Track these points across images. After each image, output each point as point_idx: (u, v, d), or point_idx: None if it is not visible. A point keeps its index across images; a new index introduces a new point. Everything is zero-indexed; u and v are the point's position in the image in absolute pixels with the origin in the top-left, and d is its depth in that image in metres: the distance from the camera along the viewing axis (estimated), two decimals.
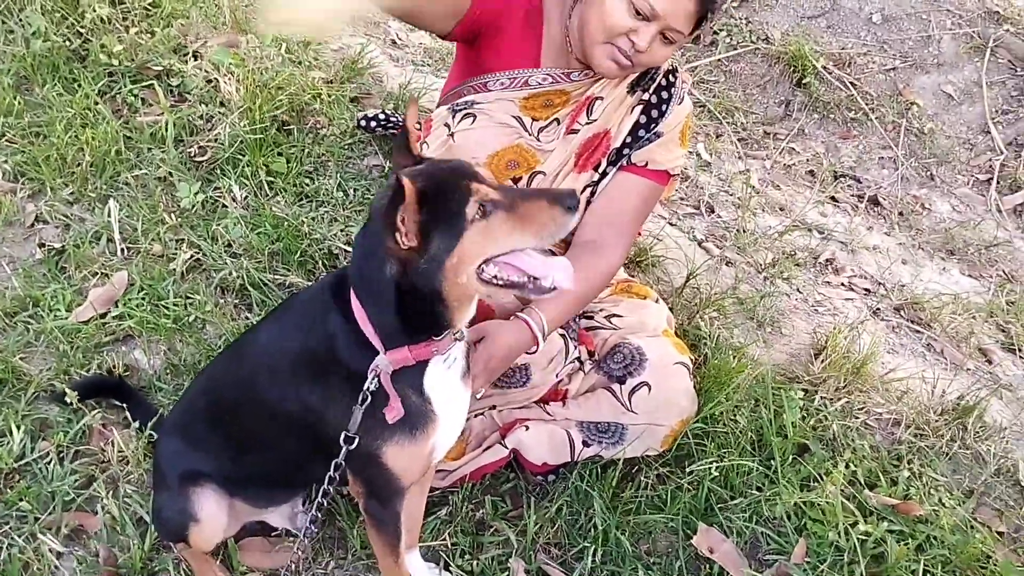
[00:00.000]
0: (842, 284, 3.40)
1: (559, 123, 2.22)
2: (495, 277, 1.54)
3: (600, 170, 2.25)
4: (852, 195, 4.02)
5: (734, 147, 4.11)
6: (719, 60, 4.55)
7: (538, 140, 2.21)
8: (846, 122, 4.36)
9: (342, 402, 1.65)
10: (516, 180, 2.21)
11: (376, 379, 1.59)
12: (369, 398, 1.59)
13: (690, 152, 2.67)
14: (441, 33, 2.16)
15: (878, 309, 3.28)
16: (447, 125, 2.28)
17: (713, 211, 3.59)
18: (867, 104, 4.35)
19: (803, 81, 4.39)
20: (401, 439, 1.66)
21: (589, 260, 2.14)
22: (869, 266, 3.57)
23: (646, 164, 2.24)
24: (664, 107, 2.22)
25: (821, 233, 3.65)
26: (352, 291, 1.60)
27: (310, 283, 2.72)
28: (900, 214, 3.96)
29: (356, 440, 1.63)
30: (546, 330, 2.07)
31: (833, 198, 3.96)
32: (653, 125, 2.22)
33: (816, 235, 3.63)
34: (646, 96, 2.24)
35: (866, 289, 3.41)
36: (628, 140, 2.23)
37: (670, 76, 2.24)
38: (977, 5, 4.61)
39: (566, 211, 1.49)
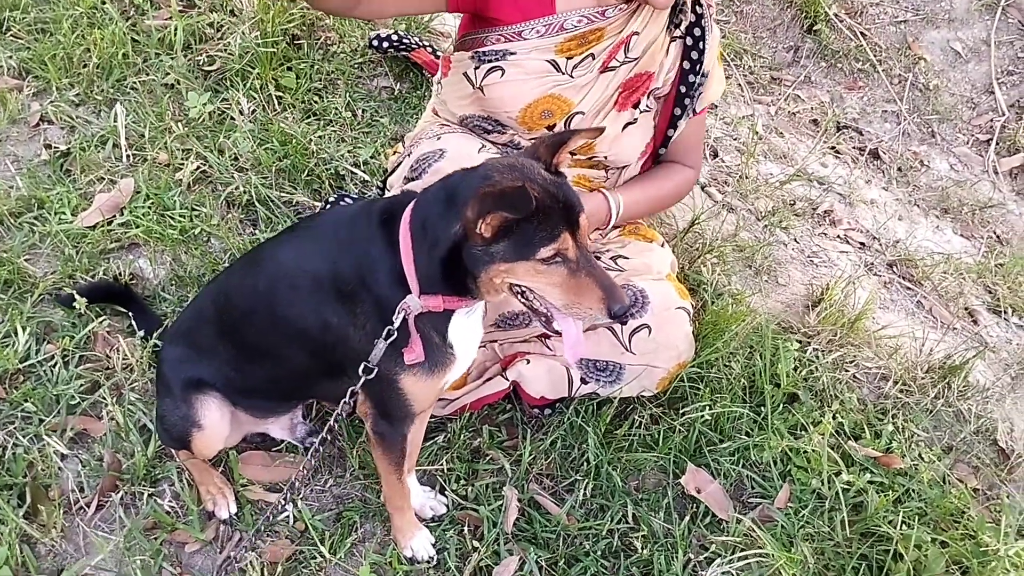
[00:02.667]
0: (838, 236, 3.44)
1: (594, 58, 2.19)
2: (523, 294, 1.64)
3: (640, 108, 2.27)
4: (853, 147, 4.03)
5: (740, 90, 4.09)
6: (731, 0, 4.50)
7: (571, 77, 2.19)
8: (853, 72, 4.34)
9: (364, 328, 1.68)
10: (551, 127, 2.21)
11: (403, 317, 1.61)
12: (395, 335, 1.61)
13: None
14: (443, 11, 2.18)
15: (872, 264, 3.33)
16: (467, 76, 2.22)
17: (717, 155, 3.60)
18: (875, 56, 4.32)
19: (813, 28, 4.35)
20: (419, 371, 1.69)
21: (673, 169, 2.42)
22: (866, 220, 3.60)
23: (701, 105, 2.33)
24: (701, 44, 2.24)
25: (821, 184, 3.67)
26: (406, 227, 1.61)
27: (316, 203, 2.73)
28: (899, 169, 3.98)
29: (375, 371, 1.66)
30: (621, 212, 2.27)
31: (835, 149, 3.96)
32: (699, 66, 2.26)
33: (816, 186, 3.65)
34: (678, 33, 2.24)
35: (861, 243, 3.45)
36: (683, 89, 2.28)
37: (696, 7, 2.23)
38: None
39: (608, 312, 1.56)
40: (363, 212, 1.72)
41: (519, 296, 1.64)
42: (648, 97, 2.29)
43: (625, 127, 2.27)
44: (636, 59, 2.21)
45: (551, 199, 1.53)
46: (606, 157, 2.31)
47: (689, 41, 2.25)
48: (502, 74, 2.17)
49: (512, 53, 2.16)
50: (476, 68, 2.19)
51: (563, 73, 2.17)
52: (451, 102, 2.34)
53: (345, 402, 1.71)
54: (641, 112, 2.28)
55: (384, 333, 1.62)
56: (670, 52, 2.25)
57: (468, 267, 1.56)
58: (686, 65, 2.28)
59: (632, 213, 2.32)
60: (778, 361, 2.50)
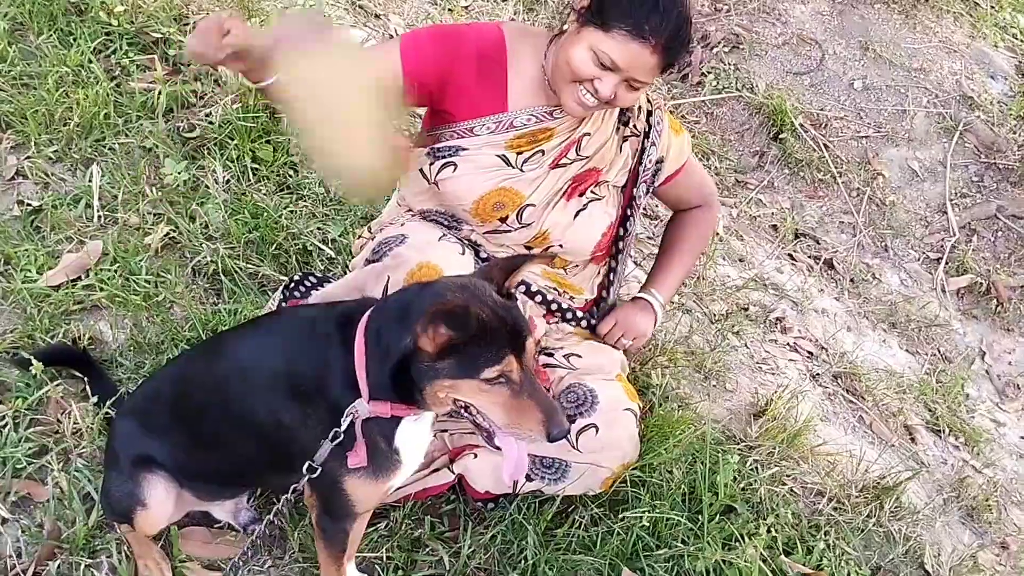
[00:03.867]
0: (787, 344, 3.55)
1: (544, 154, 2.29)
2: (467, 409, 1.69)
3: (586, 196, 2.37)
4: (809, 255, 4.17)
5: None
6: (703, 102, 4.67)
7: (521, 171, 2.28)
8: (814, 182, 4.51)
9: (315, 428, 1.72)
10: (504, 219, 2.29)
11: (350, 420, 1.66)
12: (341, 436, 1.66)
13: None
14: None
15: (818, 374, 3.43)
16: (422, 172, 2.30)
17: None
18: (836, 168, 4.50)
19: (780, 136, 4.53)
20: (363, 474, 1.74)
21: (702, 215, 2.63)
22: (815, 328, 3.72)
23: (670, 171, 2.48)
24: (652, 150, 2.39)
25: (775, 290, 3.80)
26: (361, 334, 1.67)
27: (282, 276, 2.77)
28: (851, 280, 4.13)
29: (320, 470, 1.70)
30: (664, 304, 2.60)
31: (791, 256, 4.10)
32: (650, 157, 2.40)
33: (770, 292, 3.77)
34: (627, 132, 2.37)
35: (809, 352, 3.57)
36: (641, 186, 2.43)
37: (650, 118, 2.38)
38: (954, 87, 4.80)
39: (547, 435, 1.63)
40: (323, 315, 1.79)
41: (463, 411, 1.70)
42: (598, 186, 2.38)
43: (577, 214, 2.36)
44: (588, 157, 2.32)
45: (498, 321, 1.60)
46: (561, 246, 2.38)
47: (642, 144, 2.39)
48: (454, 169, 2.25)
49: (464, 149, 2.25)
50: (431, 164, 2.28)
51: (513, 167, 2.27)
52: (409, 197, 2.42)
53: (287, 498, 1.75)
54: (589, 201, 2.37)
55: (331, 435, 1.67)
56: (623, 150, 2.38)
57: (415, 379, 1.62)
58: (634, 161, 2.41)
59: (674, 292, 2.62)
60: (718, 471, 2.57)
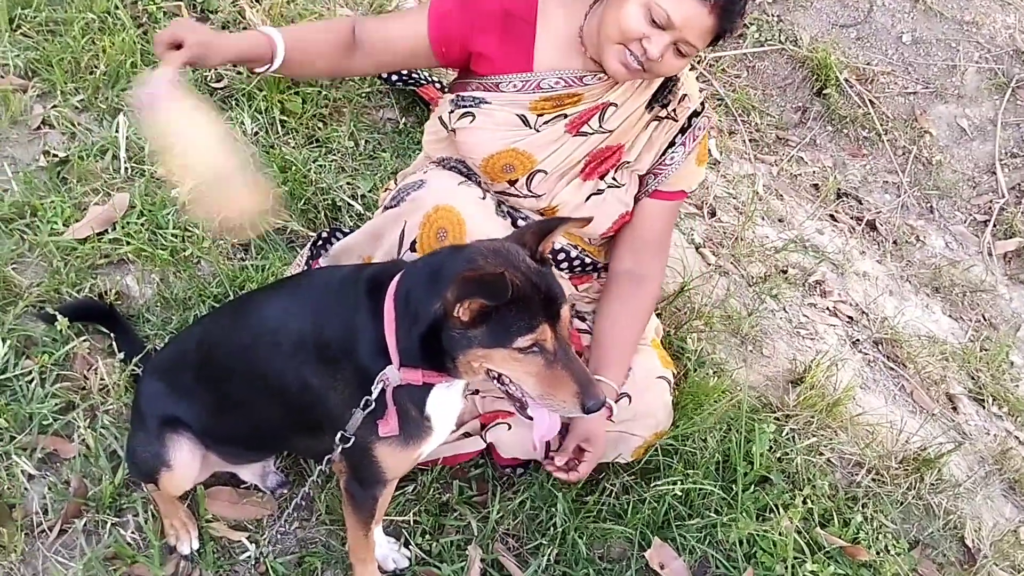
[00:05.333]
0: (827, 308, 3.45)
1: (565, 117, 2.20)
2: (499, 379, 1.63)
3: (606, 180, 2.27)
4: (851, 216, 4.05)
5: (744, 148, 4.10)
6: (744, 55, 4.51)
7: (536, 131, 2.19)
8: (858, 139, 4.36)
9: (343, 393, 1.68)
10: (513, 182, 2.21)
11: (381, 388, 1.61)
12: (373, 405, 1.61)
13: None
14: (433, 67, 2.29)
15: (858, 340, 3.34)
16: (441, 119, 2.26)
17: (715, 214, 3.60)
18: (882, 125, 4.34)
19: (823, 91, 4.36)
20: (394, 442, 1.69)
21: (634, 292, 2.31)
22: (856, 292, 3.61)
23: (670, 188, 2.28)
24: (680, 150, 2.26)
25: (815, 252, 3.69)
26: (391, 299, 1.61)
27: (311, 232, 2.72)
28: (894, 243, 4.00)
29: (351, 440, 1.66)
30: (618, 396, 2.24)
31: (832, 216, 3.98)
32: (671, 160, 2.26)
33: (810, 253, 3.66)
34: (663, 113, 2.24)
35: (849, 317, 3.47)
36: (654, 168, 2.26)
37: (693, 118, 2.26)
38: (1007, 42, 4.60)
39: (581, 407, 1.57)
40: (351, 277, 1.73)
41: (495, 380, 1.64)
42: (618, 171, 2.27)
43: (589, 197, 2.26)
44: (610, 131, 2.21)
45: (532, 288, 1.53)
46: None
47: (678, 129, 2.27)
48: (472, 120, 2.18)
49: (487, 102, 2.18)
50: (451, 112, 2.21)
51: (530, 127, 2.18)
52: (429, 144, 2.37)
53: (321, 469, 1.71)
54: (608, 186, 2.26)
55: (362, 403, 1.62)
56: (649, 130, 2.25)
57: (446, 347, 1.56)
58: (664, 144, 2.28)
59: (624, 375, 2.28)
60: (753, 440, 2.50)
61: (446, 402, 1.75)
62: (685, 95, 2.26)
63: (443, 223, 2.03)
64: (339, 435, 1.66)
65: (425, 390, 1.69)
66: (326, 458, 1.70)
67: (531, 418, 1.67)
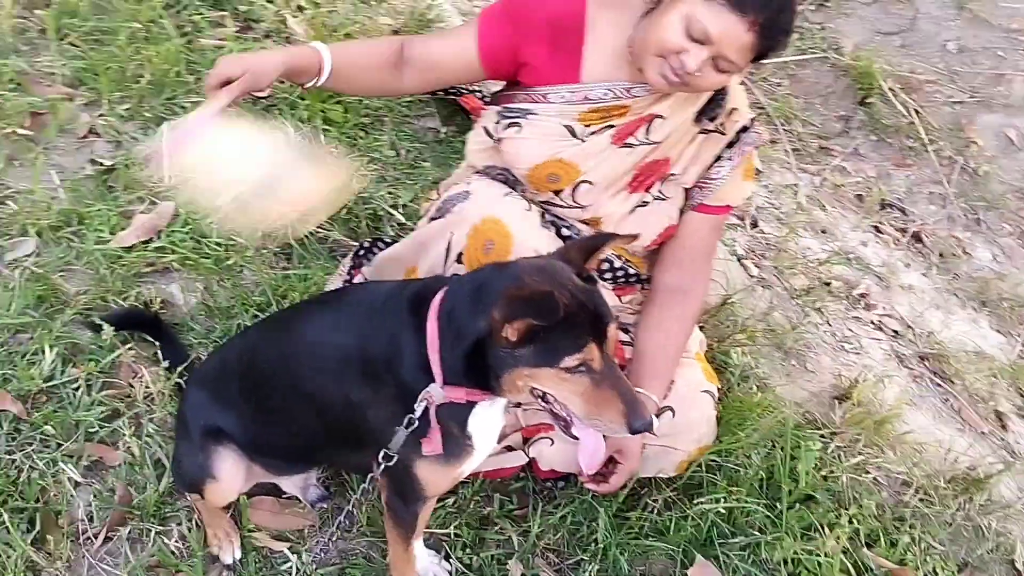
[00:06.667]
0: (872, 322, 3.40)
1: (612, 128, 2.18)
2: (543, 398, 1.61)
3: (652, 192, 2.24)
4: (896, 227, 3.98)
5: (786, 157, 4.05)
6: (785, 62, 4.46)
7: (583, 141, 2.17)
8: (903, 149, 4.28)
9: (386, 410, 1.68)
10: (558, 192, 2.19)
11: (424, 406, 1.60)
12: (416, 424, 1.60)
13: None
14: (480, 81, 2.28)
15: (903, 355, 3.28)
16: (486, 129, 2.24)
17: (756, 225, 3.56)
18: (927, 135, 4.26)
19: (867, 99, 4.30)
20: (436, 460, 1.68)
21: (678, 305, 2.27)
22: (901, 306, 3.55)
23: (716, 202, 2.25)
24: (727, 164, 2.22)
25: (859, 264, 3.63)
26: (434, 316, 1.60)
27: (352, 242, 2.72)
28: (940, 255, 3.92)
29: (394, 458, 1.65)
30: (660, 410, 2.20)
31: (876, 227, 3.92)
32: (717, 175, 2.22)
33: (854, 265, 3.60)
34: (711, 127, 2.22)
35: (895, 331, 3.41)
36: (700, 181, 2.23)
37: (742, 133, 2.23)
38: None
39: (628, 427, 1.55)
40: (395, 293, 1.73)
41: (539, 399, 1.62)
42: (665, 183, 2.24)
43: (634, 209, 2.23)
44: (656, 143, 2.18)
45: (579, 307, 1.51)
46: None
47: (725, 142, 2.23)
48: (518, 130, 2.16)
49: (533, 113, 2.16)
50: (497, 122, 2.20)
51: (576, 138, 2.15)
52: (473, 153, 2.35)
53: (364, 488, 1.70)
54: (654, 198, 2.24)
55: (405, 421, 1.61)
56: (696, 143, 2.22)
57: (491, 366, 1.55)
58: (710, 158, 2.24)
59: (666, 390, 2.25)
60: (798, 457, 2.46)
61: (489, 420, 1.74)
62: (734, 109, 2.23)
63: (490, 235, 2.02)
64: (382, 453, 1.65)
65: (468, 408, 1.68)
66: (369, 476, 1.70)
67: (576, 438, 1.66)
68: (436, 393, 1.61)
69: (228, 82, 1.91)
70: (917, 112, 4.30)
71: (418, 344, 1.62)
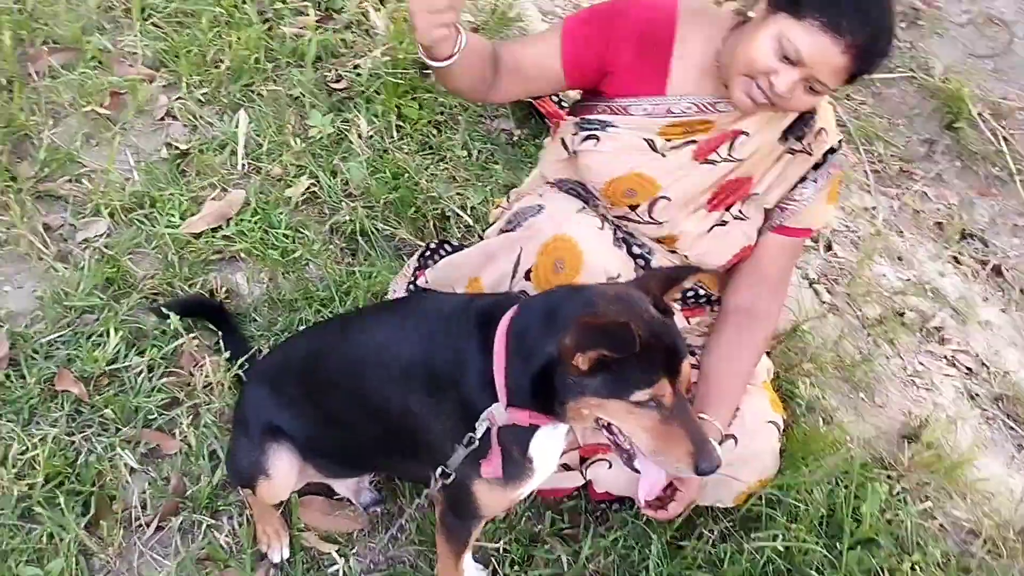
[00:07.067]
0: (945, 357, 3.27)
1: (694, 143, 2.11)
2: (608, 428, 1.58)
3: (732, 212, 2.17)
4: (976, 259, 3.83)
5: (865, 179, 3.92)
6: (871, 81, 4.32)
7: (663, 156, 2.10)
8: (988, 177, 4.12)
9: (446, 423, 1.64)
10: (634, 207, 2.13)
11: (486, 426, 1.56)
12: (476, 443, 1.57)
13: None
14: (564, 90, 2.20)
15: (976, 394, 3.16)
16: (564, 141, 2.19)
17: (830, 248, 3.46)
18: (1015, 164, 4.09)
19: (954, 124, 4.15)
20: (494, 482, 1.65)
21: (748, 329, 2.18)
22: (977, 342, 3.42)
23: (796, 224, 2.17)
24: (811, 186, 2.15)
25: (935, 295, 3.50)
26: (503, 335, 1.56)
27: (419, 242, 2.69)
28: (1021, 291, 3.77)
29: (452, 476, 1.62)
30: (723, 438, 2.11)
31: (955, 258, 3.77)
32: (801, 197, 2.15)
33: (929, 296, 3.48)
34: (799, 147, 2.14)
35: (968, 368, 3.28)
36: (782, 202, 2.16)
37: (829, 154, 2.15)
38: None
39: (694, 468, 1.51)
40: (463, 308, 1.69)
41: (604, 429, 1.58)
42: (745, 203, 2.16)
43: (712, 228, 2.16)
44: (739, 160, 2.10)
45: (655, 340, 1.46)
46: (687, 257, 2.20)
47: (811, 164, 2.16)
48: (596, 142, 2.11)
49: (613, 126, 2.10)
50: (574, 134, 2.14)
51: (656, 152, 2.09)
52: (547, 165, 2.31)
53: (420, 504, 1.67)
54: (734, 218, 2.16)
55: (465, 440, 1.58)
56: (782, 163, 2.14)
57: (557, 391, 1.51)
58: (795, 179, 2.16)
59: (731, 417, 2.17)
60: (862, 497, 2.38)
61: (550, 443, 1.70)
62: (822, 129, 2.14)
63: (560, 253, 1.97)
64: (439, 470, 1.62)
65: (530, 431, 1.64)
66: (424, 492, 1.67)
67: (637, 471, 1.60)
68: (499, 414, 1.57)
69: None
70: (1006, 140, 4.13)
71: (484, 362, 1.58)
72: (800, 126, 2.12)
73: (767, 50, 1.87)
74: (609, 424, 1.56)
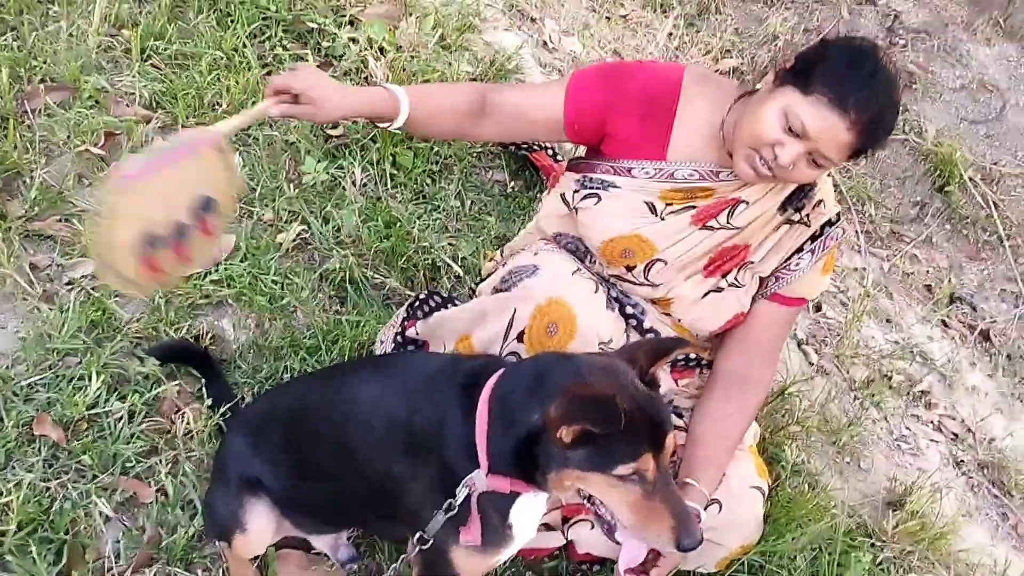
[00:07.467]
0: (931, 422, 3.28)
1: (693, 208, 2.12)
2: (589, 500, 1.57)
3: (728, 279, 2.18)
4: (964, 323, 3.85)
5: (856, 240, 3.95)
6: None
7: (662, 219, 2.11)
8: (978, 242, 4.16)
9: (426, 487, 1.63)
10: (630, 268, 2.14)
11: (466, 493, 1.55)
12: (456, 510, 1.55)
13: None
14: (559, 141, 2.24)
15: (961, 461, 3.15)
16: (564, 197, 2.21)
17: (820, 309, 3.46)
18: (1004, 229, 4.14)
19: (945, 187, 4.20)
20: (473, 548, 1.63)
21: (738, 394, 2.18)
22: (963, 407, 3.42)
23: (791, 294, 2.19)
24: (808, 257, 2.16)
25: (923, 359, 3.51)
26: (486, 399, 1.55)
27: (409, 291, 2.68)
28: (1008, 357, 3.78)
29: (430, 543, 1.60)
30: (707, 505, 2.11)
31: (944, 321, 3.79)
32: (796, 267, 2.16)
33: (917, 360, 3.48)
34: (796, 217, 2.15)
35: (954, 434, 3.28)
36: (777, 271, 2.16)
37: (827, 226, 2.17)
38: None
39: (676, 544, 1.51)
40: (448, 369, 1.68)
41: (586, 500, 1.57)
42: (741, 271, 2.18)
43: (707, 294, 2.17)
44: (738, 228, 2.12)
45: (640, 414, 1.46)
46: (680, 320, 2.21)
47: (808, 236, 2.17)
48: (597, 201, 2.12)
49: (616, 187, 2.11)
50: (576, 191, 2.16)
51: (656, 215, 2.11)
52: (546, 219, 2.32)
53: (396, 568, 1.65)
54: (730, 285, 2.18)
55: (445, 506, 1.56)
56: (779, 233, 2.16)
57: (540, 461, 1.50)
58: (791, 248, 2.18)
59: (717, 483, 2.15)
60: (846, 566, 2.36)
61: (531, 510, 1.68)
62: (821, 201, 2.16)
63: (554, 317, 1.97)
64: (418, 536, 1.60)
65: (511, 498, 1.62)
66: (401, 558, 1.65)
67: (618, 542, 1.59)
68: (480, 481, 1.56)
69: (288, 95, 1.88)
70: (996, 205, 4.18)
71: (466, 427, 1.57)
72: (799, 197, 2.14)
73: (773, 122, 1.90)
74: (591, 496, 1.55)
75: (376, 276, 2.70)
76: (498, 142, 3.09)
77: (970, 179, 4.18)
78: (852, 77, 1.83)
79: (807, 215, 2.15)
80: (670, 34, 4.24)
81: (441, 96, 2.21)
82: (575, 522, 2.20)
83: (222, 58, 3.01)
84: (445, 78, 3.14)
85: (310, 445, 1.86)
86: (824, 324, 3.39)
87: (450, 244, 2.86)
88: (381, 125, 2.09)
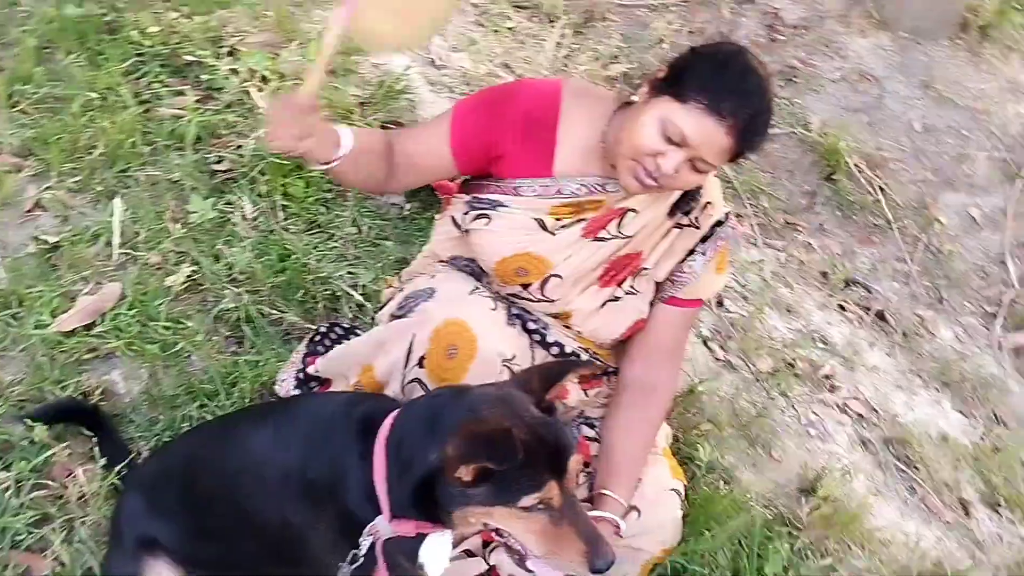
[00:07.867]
0: (836, 405, 3.35)
1: (583, 221, 2.13)
2: (498, 532, 1.54)
3: (624, 287, 2.19)
4: (860, 306, 3.96)
5: (752, 232, 4.03)
6: None
7: (553, 234, 2.12)
8: (867, 226, 4.28)
9: (327, 536, 1.59)
10: (526, 286, 2.14)
11: (371, 541, 1.51)
12: (361, 560, 1.51)
13: None
14: (456, 176, 2.24)
15: (868, 440, 3.24)
16: (454, 219, 2.21)
17: (722, 304, 3.52)
18: (892, 212, 4.28)
19: (833, 176, 4.32)
20: None
21: (645, 401, 2.20)
22: (866, 387, 3.51)
23: (687, 296, 2.22)
24: (700, 259, 2.19)
25: (824, 344, 3.59)
26: (382, 442, 1.52)
27: (308, 325, 2.62)
28: (904, 334, 3.90)
29: None
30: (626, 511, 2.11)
31: (841, 306, 3.89)
32: (690, 269, 2.19)
33: (819, 345, 3.57)
34: (685, 221, 2.17)
35: (859, 414, 3.36)
36: (672, 275, 2.19)
37: (716, 227, 2.19)
38: (1020, 131, 4.58)
39: (589, 567, 1.49)
40: (342, 413, 1.65)
41: (494, 532, 1.54)
42: (636, 278, 2.20)
43: (605, 304, 2.19)
44: (629, 237, 2.14)
45: (539, 443, 1.44)
46: (579, 333, 2.23)
47: (700, 237, 2.20)
48: (487, 222, 2.12)
49: (504, 206, 2.12)
50: (465, 213, 2.16)
51: (547, 231, 2.11)
52: (440, 243, 2.31)
53: None
54: (627, 293, 2.20)
55: (349, 557, 1.52)
56: (670, 237, 2.19)
57: (442, 501, 1.47)
58: (683, 252, 2.21)
59: (634, 487, 2.16)
60: (765, 557, 2.40)
61: (440, 548, 1.64)
62: (709, 202, 2.19)
63: (453, 338, 1.95)
64: None
65: (418, 540, 1.59)
66: None
67: (531, 571, 1.57)
68: (383, 528, 1.52)
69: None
70: (882, 189, 4.31)
71: (364, 471, 1.54)
72: (687, 201, 2.16)
73: (652, 133, 1.91)
74: (499, 529, 1.52)
75: (273, 312, 2.63)
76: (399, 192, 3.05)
77: (856, 166, 4.31)
78: (724, 82, 1.87)
79: (696, 218, 2.18)
80: (558, 44, 4.26)
81: (366, 135, 2.18)
82: (496, 546, 2.17)
83: (96, 99, 2.91)
84: (333, 104, 3.09)
85: (206, 500, 1.79)
86: (727, 319, 3.45)
87: (349, 273, 2.81)
88: (317, 167, 2.02)
